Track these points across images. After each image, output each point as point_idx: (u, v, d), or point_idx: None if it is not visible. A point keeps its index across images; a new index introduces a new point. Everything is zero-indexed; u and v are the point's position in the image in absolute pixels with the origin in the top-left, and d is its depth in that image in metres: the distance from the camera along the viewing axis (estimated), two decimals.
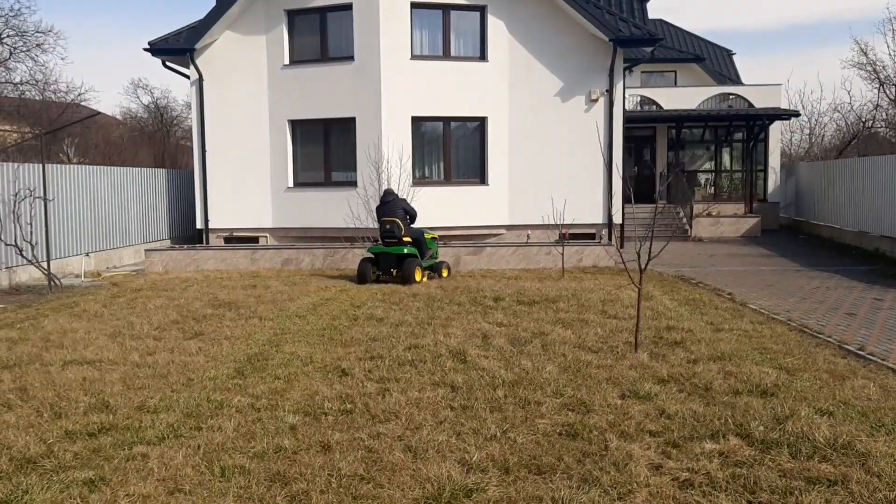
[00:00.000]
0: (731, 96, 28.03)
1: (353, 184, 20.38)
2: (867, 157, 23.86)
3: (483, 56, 20.92)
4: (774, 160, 27.84)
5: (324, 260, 17.60)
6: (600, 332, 8.82)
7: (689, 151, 28.89)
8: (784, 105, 29.55)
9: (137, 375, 6.99)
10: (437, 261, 14.98)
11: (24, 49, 34.66)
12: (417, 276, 13.77)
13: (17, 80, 35.67)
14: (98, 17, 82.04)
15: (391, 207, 14.36)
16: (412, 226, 14.71)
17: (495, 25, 20.88)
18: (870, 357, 7.93)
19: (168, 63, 21.80)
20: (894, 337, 9.02)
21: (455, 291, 12.08)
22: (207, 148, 21.22)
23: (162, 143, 38.83)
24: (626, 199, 22.64)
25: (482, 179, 21.29)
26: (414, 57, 20.37)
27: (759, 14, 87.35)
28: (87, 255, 16.91)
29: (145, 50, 20.96)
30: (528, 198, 21.04)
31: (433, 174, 21.42)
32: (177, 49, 20.80)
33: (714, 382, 6.54)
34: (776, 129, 27.72)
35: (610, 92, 21.07)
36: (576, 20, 20.64)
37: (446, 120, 20.87)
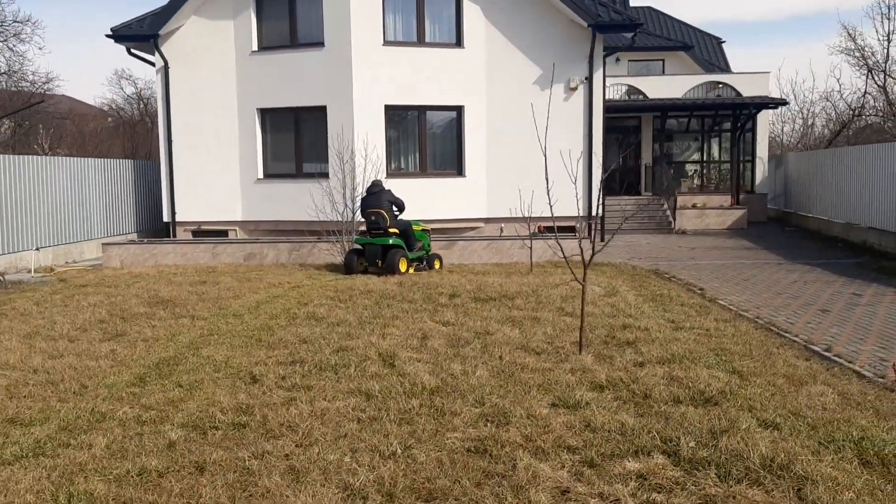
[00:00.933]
0: (719, 85, 27.34)
1: (325, 175, 19.72)
2: (854, 146, 23.26)
3: (459, 42, 20.24)
4: (762, 150, 27.19)
5: (289, 255, 16.97)
6: (550, 332, 8.21)
7: (676, 142, 28.27)
8: (774, 94, 28.93)
9: (28, 382, 6.38)
10: (428, 252, 14.64)
11: (1, 39, 33.93)
12: (402, 267, 13.61)
13: None
14: (84, 6, 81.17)
15: (377, 199, 14.16)
16: (400, 217, 14.44)
17: (471, 10, 20.19)
18: (835, 359, 7.33)
19: (133, 50, 21.09)
20: (867, 336, 8.42)
21: (413, 287, 11.46)
22: (173, 138, 20.54)
23: (146, 134, 38.17)
24: (605, 192, 22.05)
25: (459, 171, 20.64)
26: (387, 43, 19.68)
27: (756, 4, 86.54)
28: (37, 249, 16.24)
29: (108, 37, 20.28)
30: (506, 190, 20.37)
31: (408, 165, 20.76)
32: (140, 35, 20.09)
33: (655, 389, 5.93)
34: (764, 119, 27.06)
35: (590, 80, 20.41)
36: (554, 5, 19.96)
37: (421, 109, 20.20)
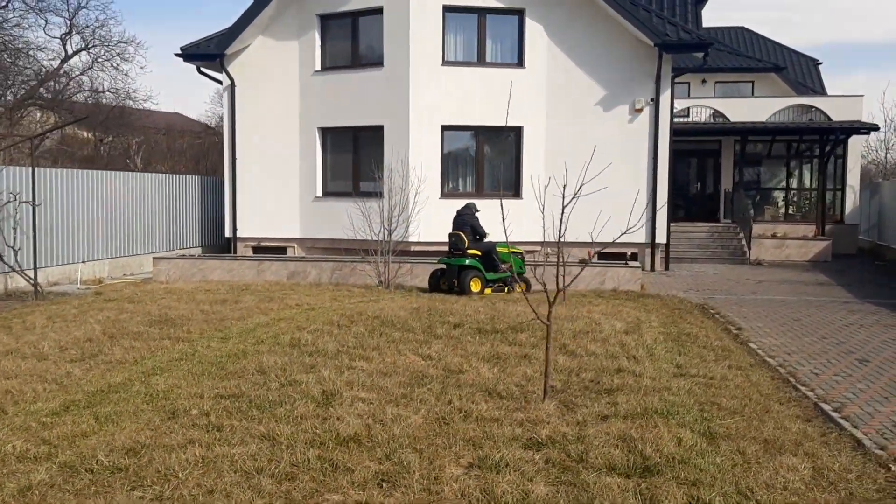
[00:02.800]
0: (812, 109, 25.68)
1: (380, 195, 19.53)
2: None
3: (520, 62, 19.75)
4: (853, 178, 25.36)
5: (331, 274, 16.79)
6: (531, 373, 7.56)
7: (762, 168, 26.72)
8: (877, 118, 27.06)
9: None
10: (520, 274, 14.48)
11: (107, 58, 35.54)
12: (474, 288, 14.21)
13: (100, 88, 36.73)
14: (189, 25, 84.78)
15: (460, 221, 14.73)
16: (487, 240, 14.76)
17: (534, 29, 19.68)
18: (841, 421, 6.40)
19: (203, 69, 21.57)
20: (895, 392, 7.40)
21: (424, 313, 10.97)
22: (238, 155, 20.84)
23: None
24: (673, 217, 21.00)
25: (516, 192, 20.06)
26: (446, 63, 19.38)
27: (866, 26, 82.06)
28: (83, 262, 16.59)
29: (177, 55, 20.76)
30: (565, 213, 19.63)
31: (464, 186, 20.33)
32: (208, 55, 20.49)
33: (595, 451, 5.23)
34: (856, 145, 25.25)
35: (656, 101, 19.50)
36: (620, 24, 19.19)
37: (479, 129, 19.77)
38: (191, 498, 4.49)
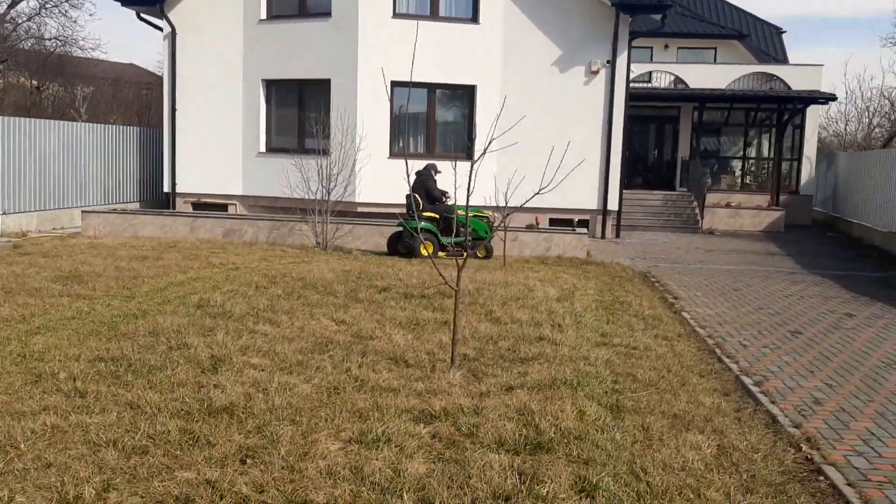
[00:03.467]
0: (773, 77, 25.34)
1: (326, 152, 18.91)
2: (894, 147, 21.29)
3: (475, 17, 19.07)
4: (810, 149, 25.20)
5: (269, 233, 16.20)
6: (445, 340, 7.12)
7: (719, 136, 26.45)
8: (839, 90, 26.87)
9: None
10: (483, 239, 14.03)
11: (55, 4, 34.10)
12: (423, 251, 13.20)
13: (47, 35, 35.31)
14: None
15: (418, 183, 14.30)
16: (446, 202, 14.36)
17: None
18: (760, 396, 6.07)
19: (143, 15, 20.56)
20: (822, 368, 7.09)
21: (353, 276, 10.49)
22: (178, 107, 19.98)
23: None
24: (626, 184, 20.66)
25: (469, 154, 19.42)
26: (397, 15, 18.65)
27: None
28: (5, 213, 15.80)
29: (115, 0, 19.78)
30: (518, 177, 19.19)
31: (415, 146, 19.74)
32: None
33: (487, 426, 4.83)
34: (814, 115, 25.04)
35: (612, 63, 19.00)
36: None
37: (431, 87, 19.10)
38: (23, 472, 4.00)
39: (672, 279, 12.68)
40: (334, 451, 4.40)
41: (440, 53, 18.62)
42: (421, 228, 13.85)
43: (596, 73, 19.17)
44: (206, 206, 19.88)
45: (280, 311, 8.04)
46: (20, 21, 34.33)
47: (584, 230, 16.05)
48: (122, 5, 19.90)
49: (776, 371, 6.93)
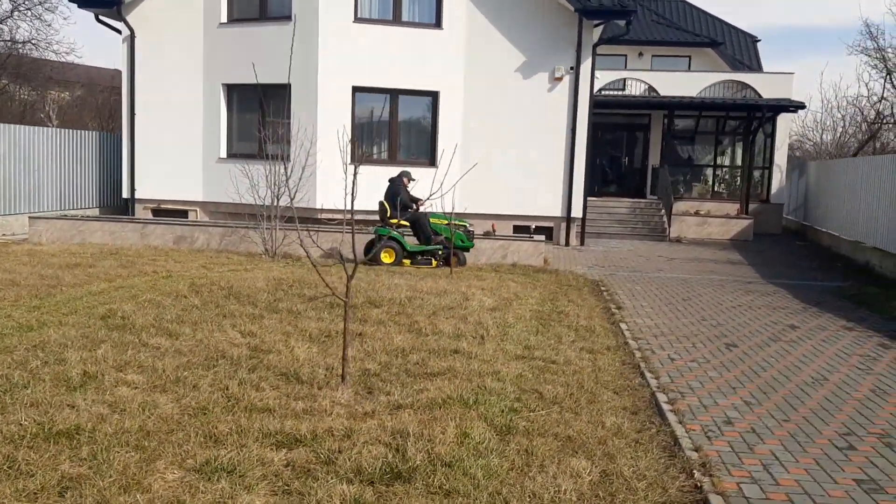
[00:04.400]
0: (746, 86, 25.11)
1: (287, 158, 18.57)
2: (863, 156, 21.10)
3: (438, 23, 18.78)
4: (781, 157, 24.99)
5: (220, 240, 15.83)
6: (353, 354, 6.77)
7: (689, 144, 26.21)
8: (815, 99, 26.67)
9: None
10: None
11: (28, 7, 33.63)
12: (385, 259, 13.69)
13: (20, 38, 34.82)
14: None
15: (389, 189, 14.17)
16: (420, 210, 14.06)
17: None
18: (669, 414, 5.74)
19: (101, 17, 20.20)
20: (745, 384, 6.77)
21: (285, 285, 10.13)
22: (137, 111, 19.61)
23: None
24: (589, 192, 20.38)
25: (431, 161, 19.15)
26: (358, 19, 18.35)
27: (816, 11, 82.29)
28: None
29: (70, 1, 19.39)
30: (480, 184, 18.90)
31: (376, 152, 19.40)
32: (105, 1, 19.12)
33: (351, 452, 4.46)
34: (785, 124, 24.83)
35: (576, 70, 18.75)
36: None
37: (393, 92, 18.77)
38: None
39: (623, 288, 12.38)
40: (170, 481, 4.05)
41: (402, 59, 18.36)
42: (385, 236, 13.70)
43: (560, 79, 18.91)
44: (167, 213, 19.53)
45: (187, 322, 7.68)
46: None
47: (542, 237, 15.72)
48: (79, 6, 19.53)
49: (697, 387, 6.61)
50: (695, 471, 4.63)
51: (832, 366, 7.59)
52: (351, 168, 17.74)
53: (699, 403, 6.13)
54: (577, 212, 19.24)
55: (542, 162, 19.06)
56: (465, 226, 14.14)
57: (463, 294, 10.22)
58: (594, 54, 18.94)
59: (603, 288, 12.25)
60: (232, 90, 19.35)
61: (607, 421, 5.41)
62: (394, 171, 18.51)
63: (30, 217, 16.21)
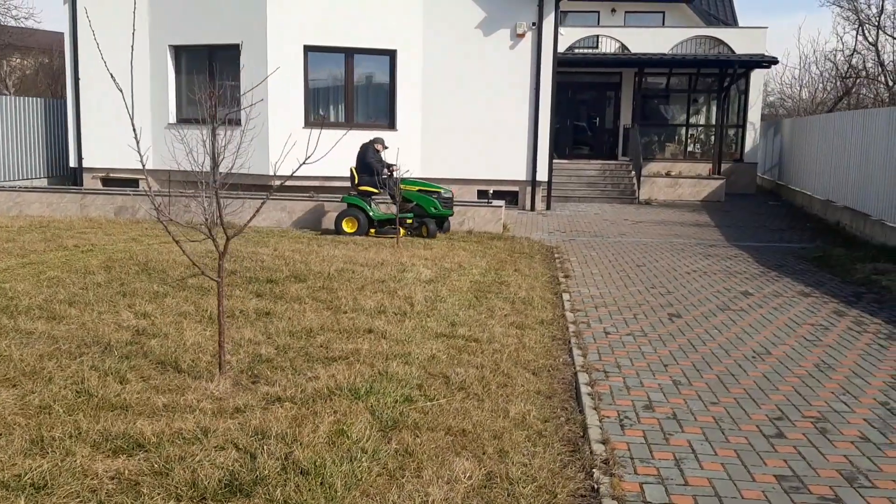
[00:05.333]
0: (719, 42, 24.34)
1: (237, 122, 17.79)
2: (836, 112, 20.52)
3: None
4: (755, 115, 24.34)
5: (164, 210, 15.08)
6: (249, 336, 6.18)
7: (662, 103, 25.51)
8: (780, 54, 25.95)
9: None
10: (439, 217, 13.23)
11: None
12: (347, 228, 13.18)
13: None
14: None
15: (358, 156, 13.58)
16: (391, 175, 13.24)
17: None
18: (585, 398, 5.19)
19: None
20: (683, 358, 6.23)
21: (210, 258, 9.49)
22: (80, 75, 18.74)
23: None
24: (555, 153, 19.74)
25: (391, 124, 18.43)
26: None
27: None
28: None
29: None
30: (442, 147, 18.21)
31: (334, 114, 18.62)
32: None
33: (192, 461, 3.88)
34: (759, 80, 24.14)
35: (538, 26, 17.98)
36: None
37: (348, 51, 17.94)
38: None
39: (578, 254, 11.81)
40: None
41: (357, 16, 17.53)
42: (349, 204, 13.19)
43: (522, 36, 18.14)
44: (116, 182, 18.76)
45: (80, 302, 7.05)
46: None
47: (501, 203, 15.10)
48: None
49: (625, 365, 6.06)
50: (595, 469, 4.07)
51: (779, 337, 7.05)
52: (305, 132, 17.16)
53: (622, 384, 5.57)
54: (542, 175, 18.60)
55: (505, 123, 18.36)
56: (438, 192, 13.32)
57: (402, 265, 9.62)
58: (557, 9, 18.16)
59: (557, 255, 11.68)
60: (180, 51, 18.51)
61: (513, 409, 4.85)
62: (351, 135, 17.89)
63: None
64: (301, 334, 6.31)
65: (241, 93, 17.67)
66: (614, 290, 9.13)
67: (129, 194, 15.50)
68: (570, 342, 6.64)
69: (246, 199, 14.85)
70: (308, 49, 17.61)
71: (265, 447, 4.01)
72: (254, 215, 5.67)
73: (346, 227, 13.16)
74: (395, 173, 13.33)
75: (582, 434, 4.60)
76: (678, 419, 4.91)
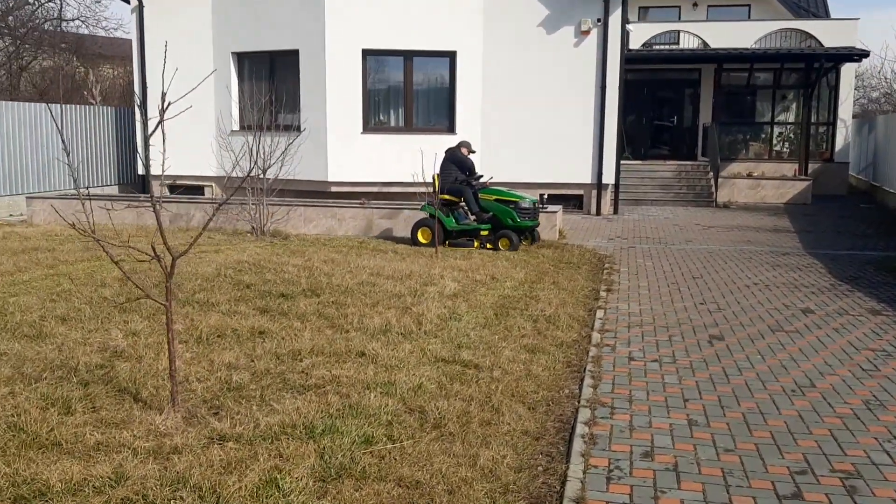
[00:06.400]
0: (808, 36, 22.77)
1: (298, 129, 17.72)
2: None
3: None
4: (846, 111, 22.72)
5: (217, 217, 15.03)
6: (229, 359, 5.76)
7: (746, 100, 24.11)
8: (878, 48, 24.19)
9: None
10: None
11: None
12: (422, 239, 12.42)
13: (69, 16, 34.95)
14: None
15: (444, 161, 12.65)
16: (472, 181, 12.50)
17: None
18: (577, 441, 4.52)
19: None
20: (709, 391, 5.46)
21: (234, 271, 9.21)
22: (148, 84, 19.01)
23: None
24: (621, 154, 18.84)
25: (450, 127, 17.97)
26: None
27: None
28: None
29: None
30: (503, 150, 17.59)
31: (394, 119, 18.28)
32: None
33: None
34: (849, 74, 22.52)
35: (604, 21, 17.17)
36: None
37: (407, 54, 17.57)
38: None
39: (631, 264, 11.02)
40: None
41: (416, 17, 17.15)
42: (431, 213, 12.19)
43: (587, 33, 17.37)
44: (183, 189, 18.91)
45: (74, 319, 6.81)
46: (42, 2, 33.83)
47: (558, 207, 14.38)
48: None
49: (640, 398, 5.35)
50: None
51: (830, 365, 6.18)
52: (365, 137, 16.92)
53: (627, 424, 4.87)
54: (608, 178, 17.77)
55: (569, 124, 17.60)
56: (517, 201, 12.19)
57: (430, 277, 9.09)
58: (624, 4, 17.29)
59: (607, 264, 10.92)
60: (242, 58, 18.53)
61: (485, 454, 4.24)
62: (410, 139, 17.46)
63: (27, 197, 15.77)
64: (287, 357, 5.85)
65: (301, 98, 17.60)
66: (658, 306, 8.35)
67: (183, 202, 15.50)
68: (584, 369, 5.96)
69: (294, 206, 14.66)
70: (367, 53, 17.31)
71: (173, 502, 3.54)
72: (206, 225, 5.20)
73: (421, 237, 12.43)
74: (477, 181, 12.61)
75: (558, 489, 3.96)
76: (679, 471, 4.19)
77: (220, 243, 12.18)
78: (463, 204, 12.48)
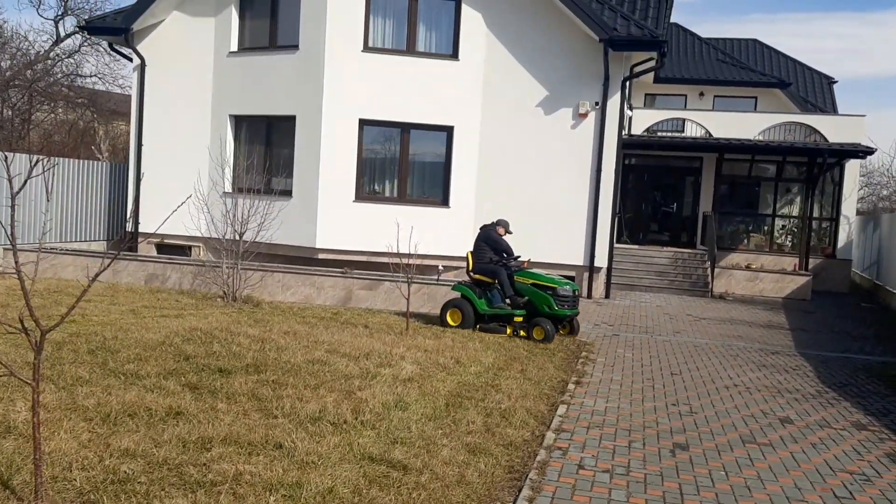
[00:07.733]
0: (814, 131, 22.57)
1: (290, 193, 17.51)
2: None
3: (455, 54, 17.38)
4: (849, 208, 22.34)
5: (193, 279, 14.70)
6: (126, 445, 5.22)
7: (746, 190, 23.79)
8: (883, 145, 23.96)
9: None
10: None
11: (96, 42, 34.07)
12: (451, 321, 11.60)
13: (86, 72, 35.36)
14: None
15: (478, 239, 12.08)
16: (501, 262, 11.75)
17: (471, 18, 17.33)
18: None
19: (115, 46, 19.67)
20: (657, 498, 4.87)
21: (181, 341, 8.71)
22: (144, 142, 18.88)
23: None
24: (616, 239, 18.43)
25: (444, 201, 17.68)
26: (368, 49, 17.11)
27: None
28: None
29: (81, 28, 18.94)
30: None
31: (388, 189, 18.00)
32: (115, 29, 18.43)
33: None
34: (854, 171, 22.23)
35: (602, 105, 16.98)
36: (567, 16, 16.72)
37: (404, 126, 17.39)
38: None
39: (610, 354, 10.46)
40: None
41: (415, 91, 17.03)
42: (462, 294, 11.64)
43: (584, 115, 17.17)
44: (170, 248, 18.56)
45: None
46: (62, 57, 34.24)
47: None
48: (90, 34, 19.07)
49: None
50: None
51: (799, 489, 5.57)
52: (357, 206, 16.55)
53: None
54: (601, 261, 17.33)
55: (563, 205, 17.27)
56: (555, 287, 11.22)
57: (388, 358, 8.56)
58: (623, 89, 17.13)
59: (584, 353, 10.37)
60: (240, 121, 18.41)
61: None
62: (403, 211, 17.10)
63: (3, 248, 15.42)
64: (193, 445, 5.31)
65: (294, 163, 17.36)
66: (626, 404, 7.77)
67: (160, 262, 15.13)
68: (525, 477, 5.38)
69: (270, 271, 14.24)
70: (364, 122, 17.15)
71: None
72: (85, 291, 4.78)
73: (450, 319, 11.58)
74: (514, 261, 11.81)
75: None
76: None
77: (185, 307, 11.71)
78: (497, 285, 11.60)
